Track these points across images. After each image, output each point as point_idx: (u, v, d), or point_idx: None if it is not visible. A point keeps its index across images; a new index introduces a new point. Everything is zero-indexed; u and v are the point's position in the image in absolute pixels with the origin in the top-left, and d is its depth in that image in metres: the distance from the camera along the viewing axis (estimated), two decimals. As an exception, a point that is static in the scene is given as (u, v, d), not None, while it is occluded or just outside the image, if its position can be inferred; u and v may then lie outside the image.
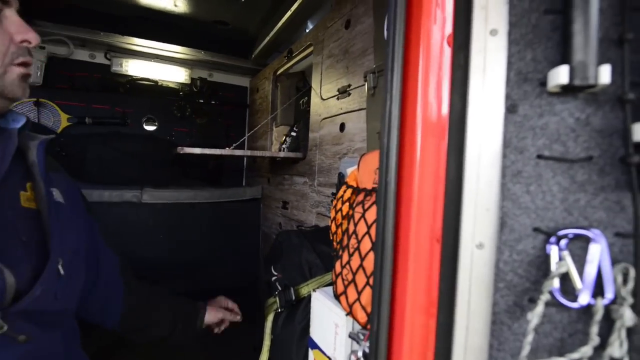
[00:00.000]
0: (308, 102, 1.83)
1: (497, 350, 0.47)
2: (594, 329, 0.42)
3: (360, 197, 0.74)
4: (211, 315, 1.05)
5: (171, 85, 2.33)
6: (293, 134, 1.89)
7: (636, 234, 0.41)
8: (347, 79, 1.22)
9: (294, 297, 1.00)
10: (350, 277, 0.70)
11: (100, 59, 2.13)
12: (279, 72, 2.00)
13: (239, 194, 2.08)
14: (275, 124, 2.07)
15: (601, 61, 0.41)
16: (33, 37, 0.64)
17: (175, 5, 1.85)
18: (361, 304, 0.66)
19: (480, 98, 0.48)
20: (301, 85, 2.06)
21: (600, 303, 0.42)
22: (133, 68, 2.18)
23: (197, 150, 1.47)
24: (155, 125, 2.31)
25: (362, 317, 0.65)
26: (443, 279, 0.52)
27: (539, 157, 0.45)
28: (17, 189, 0.63)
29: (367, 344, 0.64)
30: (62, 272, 0.61)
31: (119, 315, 0.88)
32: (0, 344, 0.54)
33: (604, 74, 0.40)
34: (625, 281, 0.42)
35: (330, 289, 0.88)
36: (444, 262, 0.52)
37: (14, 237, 0.58)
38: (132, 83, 2.22)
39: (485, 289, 0.48)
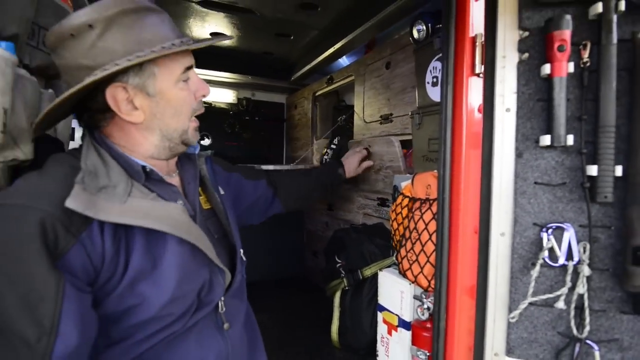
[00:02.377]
0: (345, 120, 2.18)
1: (514, 294, 0.81)
2: (568, 278, 0.76)
3: (417, 204, 1.09)
4: (350, 167, 1.51)
5: (222, 105, 2.70)
6: (333, 146, 2.23)
7: (589, 225, 0.75)
8: (389, 108, 1.56)
9: (361, 277, 1.35)
10: (414, 258, 1.05)
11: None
12: (317, 93, 2.34)
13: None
14: (315, 137, 2.42)
15: (569, 131, 0.75)
16: (208, 91, 0.78)
17: (233, 43, 2.21)
18: (424, 274, 1.01)
19: (501, 148, 0.83)
20: (336, 103, 2.41)
21: (571, 263, 0.76)
22: (191, 93, 2.55)
23: (270, 167, 1.84)
24: (209, 139, 2.69)
25: (425, 283, 1.00)
26: (480, 255, 0.87)
27: (536, 183, 0.79)
28: (197, 196, 0.83)
29: (430, 299, 0.99)
30: (244, 258, 0.91)
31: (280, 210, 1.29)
32: (215, 328, 0.78)
33: (570, 140, 0.74)
34: (584, 251, 0.76)
35: (389, 269, 1.24)
36: (481, 245, 0.86)
37: (212, 237, 0.80)
38: (191, 105, 2.59)
39: (506, 259, 0.83)
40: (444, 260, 0.89)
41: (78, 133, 1.47)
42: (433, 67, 1.17)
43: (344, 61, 2.54)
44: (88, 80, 0.61)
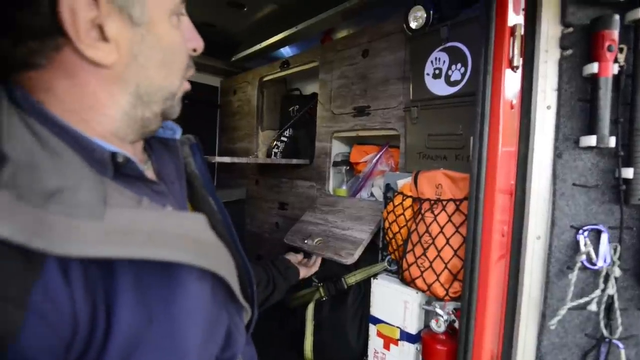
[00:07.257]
0: (300, 110, 1.99)
1: (550, 299, 0.78)
2: (601, 280, 0.76)
3: (427, 205, 1.00)
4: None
5: (141, 81, 2.20)
6: (284, 138, 2.02)
7: (621, 227, 0.76)
8: (366, 100, 1.44)
9: (345, 286, 1.21)
10: (426, 264, 0.95)
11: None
12: (265, 78, 2.09)
13: (227, 195, 2.13)
14: (261, 128, 2.16)
15: (610, 132, 0.75)
16: (202, 45, 0.52)
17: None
18: (440, 283, 0.92)
19: (540, 147, 0.79)
20: (285, 91, 2.20)
21: (605, 265, 0.76)
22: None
23: (226, 159, 1.52)
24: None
25: (441, 292, 0.92)
26: (512, 259, 0.82)
27: (574, 184, 0.77)
28: (185, 202, 0.58)
29: (447, 309, 0.91)
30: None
31: None
32: None
33: (612, 141, 0.74)
34: (615, 252, 0.77)
35: (385, 277, 1.13)
36: (513, 249, 0.82)
37: None
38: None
39: (541, 263, 0.79)
40: (476, 267, 0.81)
41: None
42: (436, 58, 1.09)
43: (286, 51, 2.33)
44: None
